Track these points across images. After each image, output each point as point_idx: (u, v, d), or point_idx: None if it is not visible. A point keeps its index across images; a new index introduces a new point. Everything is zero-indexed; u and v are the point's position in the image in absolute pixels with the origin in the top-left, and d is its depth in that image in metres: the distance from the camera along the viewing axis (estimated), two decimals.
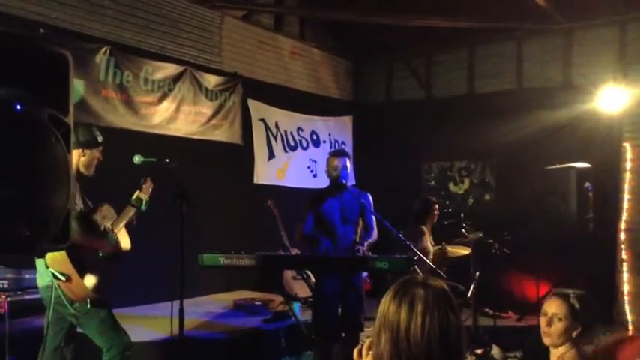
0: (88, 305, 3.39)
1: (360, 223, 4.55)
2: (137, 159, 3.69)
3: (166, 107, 6.46)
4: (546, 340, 2.81)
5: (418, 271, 3.77)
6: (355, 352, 1.72)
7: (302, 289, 6.43)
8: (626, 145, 7.09)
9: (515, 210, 7.41)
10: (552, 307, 2.78)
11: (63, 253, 3.21)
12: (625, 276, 6.98)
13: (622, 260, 7.02)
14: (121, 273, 3.71)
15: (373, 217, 4.49)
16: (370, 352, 1.64)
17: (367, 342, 1.67)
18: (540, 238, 6.67)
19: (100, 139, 3.66)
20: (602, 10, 7.12)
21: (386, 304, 1.57)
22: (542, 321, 2.81)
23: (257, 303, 6.10)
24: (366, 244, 4.35)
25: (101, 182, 3.75)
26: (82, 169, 3.60)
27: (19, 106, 2.11)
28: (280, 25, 8.13)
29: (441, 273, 4.23)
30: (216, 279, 6.87)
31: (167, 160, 3.67)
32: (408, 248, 4.13)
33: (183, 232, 3.60)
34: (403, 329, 1.51)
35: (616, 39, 7.20)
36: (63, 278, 3.21)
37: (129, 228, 3.78)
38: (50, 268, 3.28)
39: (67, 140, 2.30)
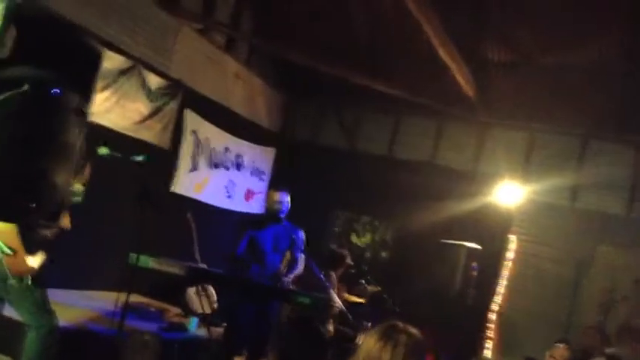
0: (29, 281, 3.35)
1: (288, 255, 4.84)
2: (103, 150, 3.67)
3: (106, 97, 6.40)
4: None
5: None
6: None
7: (202, 306, 6.47)
8: (512, 237, 7.95)
9: (406, 272, 7.99)
10: None
11: (13, 226, 3.18)
12: (487, 352, 7.73)
13: (487, 338, 7.78)
14: None
15: (300, 253, 4.81)
16: None
17: None
18: (425, 302, 7.24)
19: None
20: (519, 115, 8.03)
21: (371, 344, 1.86)
22: None
23: (152, 309, 6.09)
24: (291, 276, 4.64)
25: None
26: None
27: (53, 90, 2.24)
28: (231, 46, 8.34)
29: (349, 316, 4.58)
30: (110, 276, 6.74)
31: (139, 158, 3.67)
32: (324, 291, 4.46)
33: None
34: None
35: (525, 142, 8.13)
36: (9, 252, 3.17)
37: None
38: None
39: (83, 127, 2.44)
